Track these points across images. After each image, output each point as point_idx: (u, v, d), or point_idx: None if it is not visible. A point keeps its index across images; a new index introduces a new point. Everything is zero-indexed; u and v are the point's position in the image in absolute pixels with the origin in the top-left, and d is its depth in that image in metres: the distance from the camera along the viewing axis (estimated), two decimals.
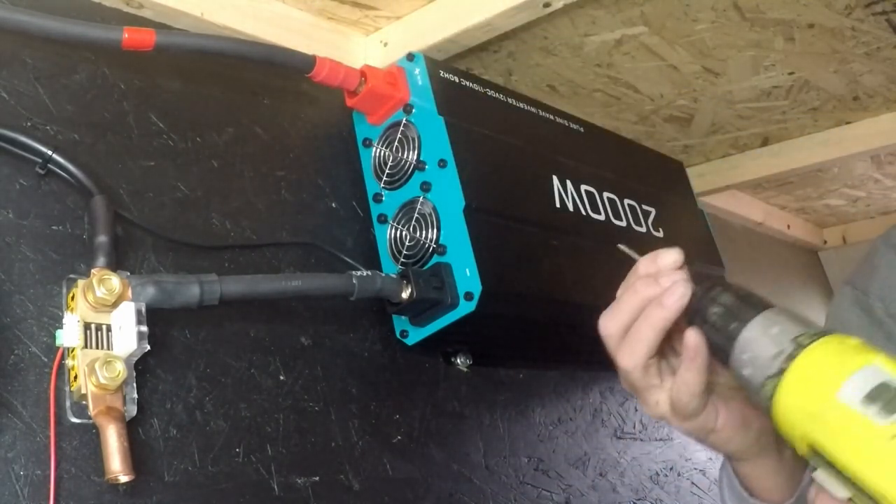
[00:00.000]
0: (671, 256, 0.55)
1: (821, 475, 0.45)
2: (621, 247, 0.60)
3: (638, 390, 0.56)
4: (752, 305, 0.51)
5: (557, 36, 1.00)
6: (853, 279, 0.72)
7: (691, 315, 0.53)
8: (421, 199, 0.80)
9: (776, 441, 0.58)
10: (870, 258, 0.71)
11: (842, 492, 0.44)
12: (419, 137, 0.81)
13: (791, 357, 0.47)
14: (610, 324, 0.56)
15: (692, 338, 0.52)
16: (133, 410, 0.59)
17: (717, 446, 0.58)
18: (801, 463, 0.59)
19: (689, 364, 0.53)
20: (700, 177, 1.45)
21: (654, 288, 0.54)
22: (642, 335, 0.54)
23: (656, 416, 0.56)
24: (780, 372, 0.47)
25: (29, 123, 0.65)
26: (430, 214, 0.79)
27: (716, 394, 0.56)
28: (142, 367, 0.63)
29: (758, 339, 0.49)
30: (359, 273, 0.73)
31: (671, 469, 1.12)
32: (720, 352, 0.52)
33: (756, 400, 0.49)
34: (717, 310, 0.52)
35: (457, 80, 0.87)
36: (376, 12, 0.92)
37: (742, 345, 0.50)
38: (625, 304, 0.55)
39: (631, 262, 0.58)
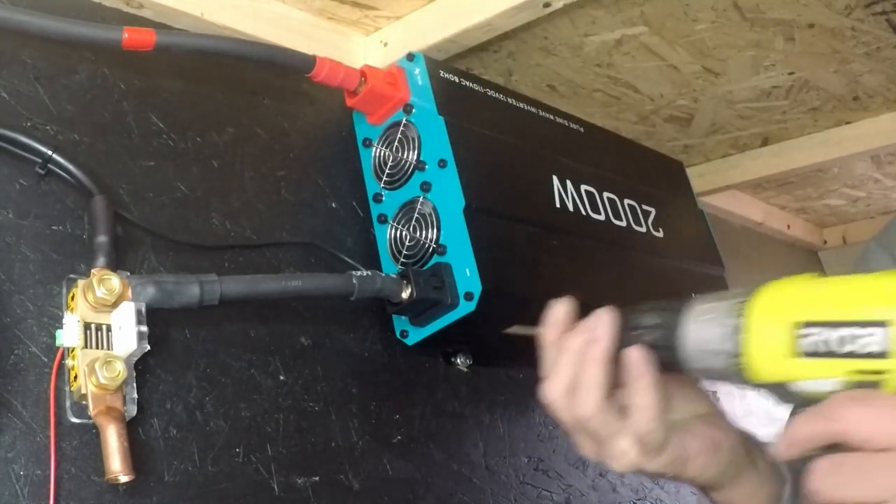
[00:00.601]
0: (562, 307, 0.58)
1: (804, 385, 0.45)
2: (512, 330, 0.62)
3: (602, 441, 0.55)
4: (673, 303, 0.53)
5: (557, 36, 1.00)
6: None
7: (623, 346, 0.54)
8: (421, 199, 0.80)
9: (747, 454, 0.58)
10: (864, 260, 0.71)
11: (829, 383, 0.44)
12: (419, 137, 0.81)
13: (748, 293, 0.48)
14: (553, 387, 0.56)
15: (634, 354, 0.52)
16: (133, 410, 0.59)
17: (696, 477, 0.57)
18: (777, 471, 0.59)
19: (637, 384, 0.52)
20: (700, 177, 1.45)
21: (583, 333, 0.55)
22: (590, 376, 0.54)
23: (627, 468, 0.55)
24: (750, 295, 0.48)
25: (29, 123, 0.65)
26: (430, 214, 0.79)
27: (680, 429, 0.56)
28: (142, 367, 0.63)
29: (704, 301, 0.51)
30: (359, 273, 0.73)
31: None
32: (666, 349, 0.52)
33: (721, 349, 0.49)
34: (645, 322, 0.53)
35: (457, 80, 0.87)
36: (376, 12, 0.92)
37: (689, 316, 0.51)
38: (563, 364, 0.55)
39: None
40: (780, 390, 0.47)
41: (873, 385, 0.43)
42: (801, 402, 0.47)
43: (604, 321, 0.54)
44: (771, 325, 0.46)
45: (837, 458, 0.43)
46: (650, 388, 0.52)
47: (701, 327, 0.50)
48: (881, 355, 0.42)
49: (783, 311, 0.46)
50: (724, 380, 0.50)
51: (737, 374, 0.48)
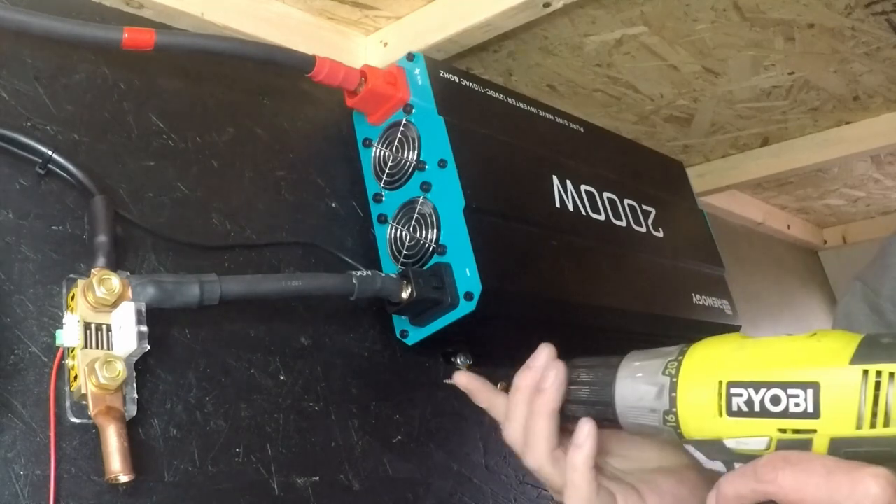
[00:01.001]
0: (462, 378, 0.61)
1: (734, 443, 0.46)
2: (449, 381, 0.65)
3: (558, 490, 0.55)
4: (610, 359, 0.54)
5: (557, 36, 1.00)
6: (864, 275, 0.71)
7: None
8: (421, 199, 0.80)
9: None
10: (883, 256, 0.70)
11: (760, 441, 0.45)
12: (419, 137, 0.81)
13: (680, 351, 0.50)
14: (509, 433, 0.57)
15: (583, 426, 0.53)
16: (133, 410, 0.59)
17: None
18: None
19: (573, 459, 0.53)
20: (700, 177, 1.45)
21: (532, 373, 0.56)
22: (537, 428, 0.54)
23: None
24: (681, 354, 0.50)
25: (29, 123, 0.65)
26: (430, 214, 0.79)
27: (640, 481, 0.56)
28: (142, 367, 0.63)
29: (637, 359, 0.52)
30: (359, 273, 0.73)
31: None
32: (602, 405, 0.53)
33: (654, 407, 0.50)
34: (582, 378, 0.55)
35: (457, 80, 0.87)
36: (376, 12, 0.92)
37: (622, 373, 0.52)
38: (514, 406, 0.56)
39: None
40: (712, 447, 0.48)
41: (803, 444, 0.44)
42: (733, 458, 0.47)
43: (551, 374, 0.55)
44: (700, 385, 0.48)
45: None
46: (585, 465, 0.52)
47: (634, 385, 0.51)
48: (812, 415, 0.43)
49: (712, 370, 0.47)
50: (657, 436, 0.51)
51: (670, 432, 0.49)
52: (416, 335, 0.81)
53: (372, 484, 0.75)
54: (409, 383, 0.83)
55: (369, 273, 0.74)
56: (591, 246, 0.90)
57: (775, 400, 0.44)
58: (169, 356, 0.66)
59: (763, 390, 0.45)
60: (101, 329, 0.59)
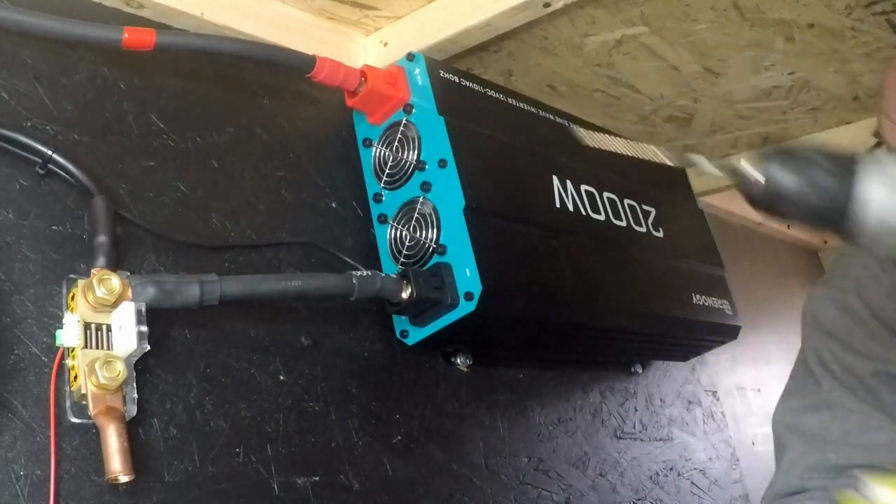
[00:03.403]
0: None
1: None
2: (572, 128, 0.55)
3: None
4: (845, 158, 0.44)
5: (557, 36, 1.00)
6: (828, 279, 0.71)
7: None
8: (421, 199, 0.80)
9: None
10: (844, 258, 0.70)
11: None
12: (419, 137, 0.81)
13: None
14: None
15: None
16: (133, 410, 0.59)
17: None
18: None
19: None
20: (700, 177, 1.45)
21: None
22: None
23: None
24: None
25: (29, 123, 0.65)
26: (430, 214, 0.79)
27: None
28: (142, 367, 0.63)
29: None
30: (359, 273, 0.73)
31: (671, 469, 1.12)
32: (832, 216, 0.43)
33: None
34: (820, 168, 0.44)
35: (457, 80, 0.87)
36: (376, 12, 0.92)
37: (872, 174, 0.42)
38: None
39: None
40: None
41: None
42: None
43: None
44: None
45: None
46: None
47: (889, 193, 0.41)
48: None
49: None
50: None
51: None
52: (416, 335, 0.81)
53: (372, 484, 0.75)
54: (409, 383, 0.83)
55: (369, 273, 0.74)
56: (592, 246, 0.90)
57: None
58: (169, 356, 0.66)
59: None
60: (101, 329, 0.59)
